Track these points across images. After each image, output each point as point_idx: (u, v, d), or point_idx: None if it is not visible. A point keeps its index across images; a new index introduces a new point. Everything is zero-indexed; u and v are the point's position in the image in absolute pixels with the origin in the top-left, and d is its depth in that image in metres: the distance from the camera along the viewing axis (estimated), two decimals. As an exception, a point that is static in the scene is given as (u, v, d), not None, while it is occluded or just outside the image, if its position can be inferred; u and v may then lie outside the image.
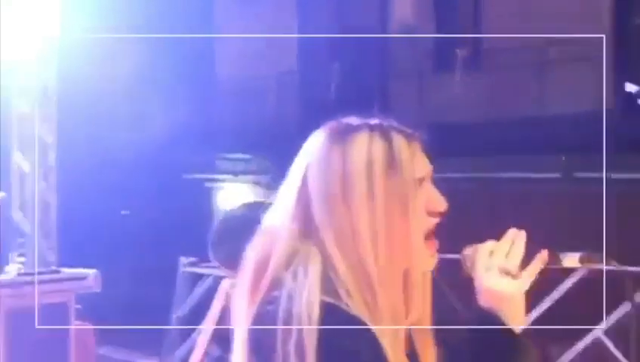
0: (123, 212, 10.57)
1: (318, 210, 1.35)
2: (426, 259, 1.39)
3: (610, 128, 7.57)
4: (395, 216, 1.34)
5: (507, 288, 1.34)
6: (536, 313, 6.05)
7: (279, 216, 1.39)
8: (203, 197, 11.00)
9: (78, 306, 5.47)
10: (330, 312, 1.27)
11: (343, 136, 1.38)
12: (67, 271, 5.44)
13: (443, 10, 9.96)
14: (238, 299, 1.37)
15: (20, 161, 6.64)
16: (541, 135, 7.97)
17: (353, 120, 1.41)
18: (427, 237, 1.39)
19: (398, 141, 1.37)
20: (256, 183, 10.15)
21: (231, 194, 10.39)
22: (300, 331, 1.25)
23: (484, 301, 1.35)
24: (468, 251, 1.40)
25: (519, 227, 1.40)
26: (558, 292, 6.18)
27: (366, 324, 1.29)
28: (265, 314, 1.30)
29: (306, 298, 1.27)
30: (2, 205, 5.85)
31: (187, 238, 7.64)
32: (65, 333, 5.27)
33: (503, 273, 1.34)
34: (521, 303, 1.35)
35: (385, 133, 1.37)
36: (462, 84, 8.97)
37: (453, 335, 1.38)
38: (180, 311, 8.18)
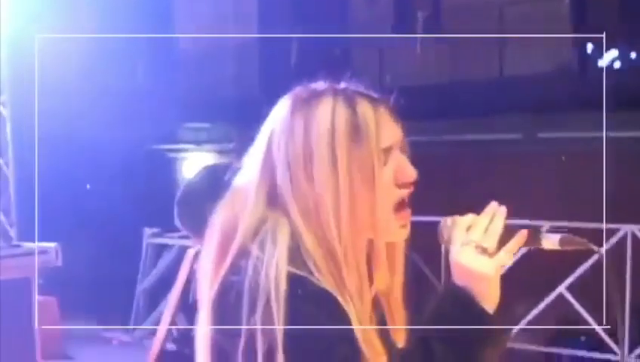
0: (88, 186, 10.43)
1: (281, 179, 1.30)
2: (395, 230, 1.34)
3: (571, 89, 7.62)
4: (359, 187, 1.28)
5: (482, 267, 1.27)
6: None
7: (246, 182, 1.34)
8: (166, 167, 10.89)
9: (40, 281, 5.41)
10: (298, 284, 1.22)
11: (306, 101, 1.32)
12: (27, 245, 5.35)
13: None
14: (203, 268, 1.32)
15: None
16: (503, 96, 7.98)
17: (319, 85, 1.35)
18: (398, 208, 1.33)
19: (363, 107, 1.31)
20: (220, 152, 10.06)
21: (194, 164, 10.31)
22: (267, 303, 1.20)
23: (457, 278, 1.29)
24: (445, 223, 1.33)
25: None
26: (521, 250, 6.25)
27: (334, 297, 1.24)
28: (230, 285, 1.25)
29: (274, 269, 1.22)
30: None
31: (152, 209, 7.56)
32: (28, 308, 5.20)
33: (480, 250, 1.28)
34: (495, 283, 1.29)
35: (349, 99, 1.31)
36: (423, 45, 8.92)
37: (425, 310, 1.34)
38: (145, 282, 8.13)
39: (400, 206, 1.33)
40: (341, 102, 1.30)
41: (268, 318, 1.18)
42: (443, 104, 8.12)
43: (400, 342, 1.38)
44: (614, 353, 5.95)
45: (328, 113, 1.29)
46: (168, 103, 10.24)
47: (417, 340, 1.31)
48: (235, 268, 1.25)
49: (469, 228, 1.30)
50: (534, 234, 1.29)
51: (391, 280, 1.39)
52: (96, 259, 8.80)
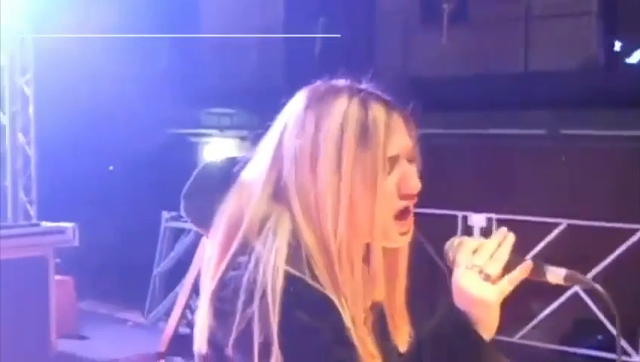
0: (110, 168, 10.49)
1: (287, 172, 1.29)
2: (394, 237, 1.31)
3: (599, 85, 7.52)
4: (360, 191, 1.26)
5: (483, 294, 1.24)
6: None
7: (255, 174, 1.32)
8: (188, 152, 10.91)
9: (58, 260, 5.43)
10: (294, 285, 1.20)
11: (322, 98, 1.30)
12: (45, 224, 5.37)
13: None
14: (207, 259, 1.30)
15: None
16: (528, 91, 7.90)
17: (339, 82, 1.33)
18: (399, 216, 1.30)
19: (376, 112, 1.28)
20: (243, 138, 10.07)
21: (216, 150, 10.32)
22: (263, 300, 1.18)
23: (457, 301, 1.26)
24: (452, 243, 1.31)
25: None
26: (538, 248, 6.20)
27: (330, 300, 1.22)
28: (230, 279, 1.24)
29: (271, 266, 1.20)
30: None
31: (171, 194, 7.54)
32: (45, 286, 5.22)
33: (483, 276, 1.25)
34: (495, 311, 1.25)
35: (364, 102, 1.29)
36: (449, 37, 8.85)
37: (427, 326, 1.32)
38: (162, 265, 8.16)
39: (402, 214, 1.30)
40: (355, 104, 1.28)
41: (262, 316, 1.17)
42: (467, 97, 8.05)
43: (402, 346, 1.37)
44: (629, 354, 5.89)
45: (340, 113, 1.28)
46: (191, 88, 10.26)
47: (412, 355, 1.29)
48: (236, 263, 1.24)
49: (475, 252, 1.27)
50: (539, 266, 1.27)
51: (393, 285, 1.37)
52: (114, 241, 8.85)
